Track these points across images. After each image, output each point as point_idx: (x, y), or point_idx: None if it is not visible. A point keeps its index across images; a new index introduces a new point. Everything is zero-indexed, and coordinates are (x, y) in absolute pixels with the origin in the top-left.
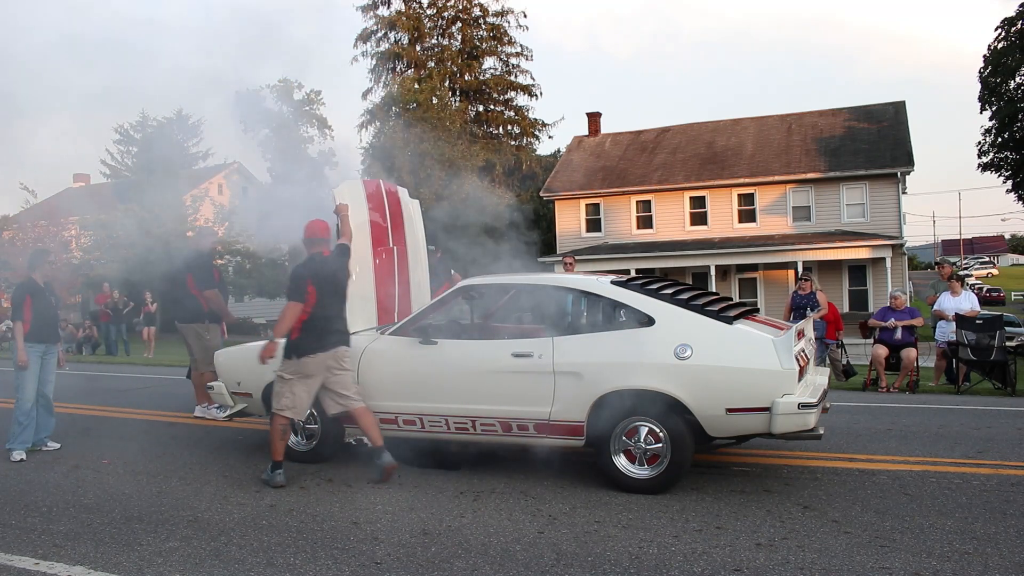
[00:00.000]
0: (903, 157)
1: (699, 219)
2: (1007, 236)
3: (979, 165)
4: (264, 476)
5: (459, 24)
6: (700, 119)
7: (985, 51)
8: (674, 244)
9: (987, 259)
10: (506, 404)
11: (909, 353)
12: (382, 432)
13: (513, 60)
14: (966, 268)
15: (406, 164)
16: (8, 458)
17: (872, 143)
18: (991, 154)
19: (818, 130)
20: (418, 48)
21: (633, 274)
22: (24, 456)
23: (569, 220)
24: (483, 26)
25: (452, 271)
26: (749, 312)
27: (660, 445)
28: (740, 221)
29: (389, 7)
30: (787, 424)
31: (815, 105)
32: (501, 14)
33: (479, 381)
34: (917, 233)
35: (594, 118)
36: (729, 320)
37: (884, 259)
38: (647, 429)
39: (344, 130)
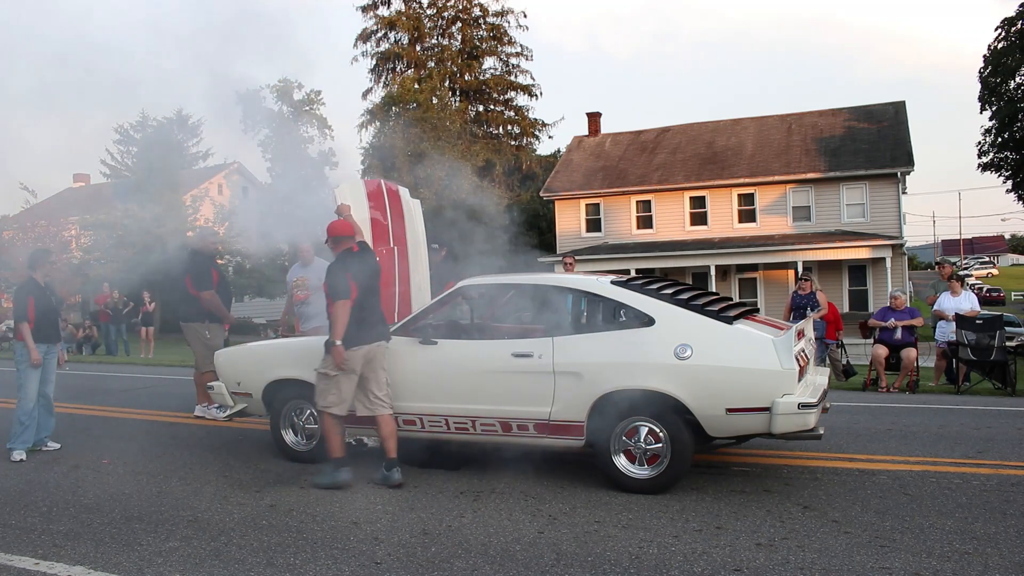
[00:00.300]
0: (903, 157)
1: (699, 219)
2: (1007, 236)
3: (979, 165)
4: (322, 479)
5: (459, 24)
6: (700, 119)
7: (985, 51)
8: (674, 244)
9: (987, 259)
10: (506, 404)
11: (909, 353)
12: (374, 432)
13: (513, 60)
14: (966, 268)
15: (406, 164)
16: (8, 458)
17: (872, 143)
18: (991, 154)
19: (818, 130)
20: (418, 48)
21: (633, 274)
22: (24, 456)
23: (569, 220)
24: (483, 26)
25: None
26: (749, 312)
27: (660, 445)
28: (740, 221)
29: (389, 7)
30: (787, 424)
31: (815, 105)
32: (501, 14)
33: (479, 381)
34: (917, 233)
35: (594, 118)
36: (729, 320)
37: (884, 259)
38: (647, 429)
39: (344, 130)
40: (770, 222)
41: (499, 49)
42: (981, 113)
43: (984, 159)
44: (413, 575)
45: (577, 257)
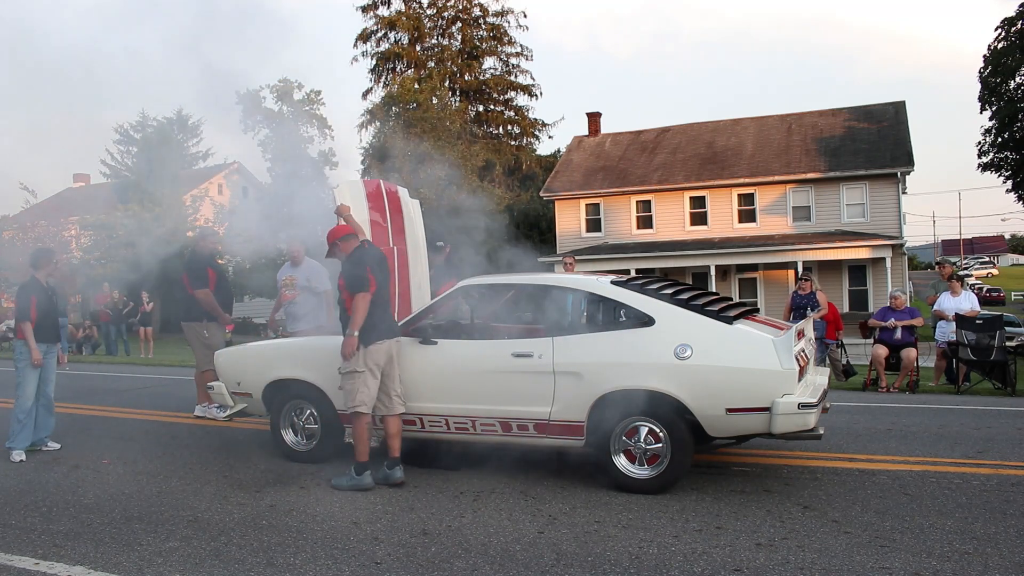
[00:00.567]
0: (903, 157)
1: (699, 219)
2: (1007, 236)
3: (979, 165)
4: (344, 482)
5: (459, 24)
6: (700, 119)
7: (985, 51)
8: (674, 244)
9: (987, 259)
10: (506, 404)
11: (909, 353)
12: (380, 431)
13: (513, 60)
14: (966, 268)
15: (406, 164)
16: (8, 458)
17: (872, 143)
18: (991, 154)
19: (818, 130)
20: (418, 48)
21: (633, 274)
22: (24, 457)
23: (569, 220)
24: (483, 26)
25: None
26: (749, 312)
27: (660, 445)
28: (740, 221)
29: (389, 7)
30: (787, 424)
31: (815, 105)
32: (501, 14)
33: (479, 381)
34: (917, 233)
35: (594, 118)
36: (729, 320)
37: (884, 259)
38: (647, 429)
39: (344, 130)
40: (770, 222)
41: (499, 49)
42: (981, 113)
43: (984, 159)
44: (413, 575)
45: (577, 257)
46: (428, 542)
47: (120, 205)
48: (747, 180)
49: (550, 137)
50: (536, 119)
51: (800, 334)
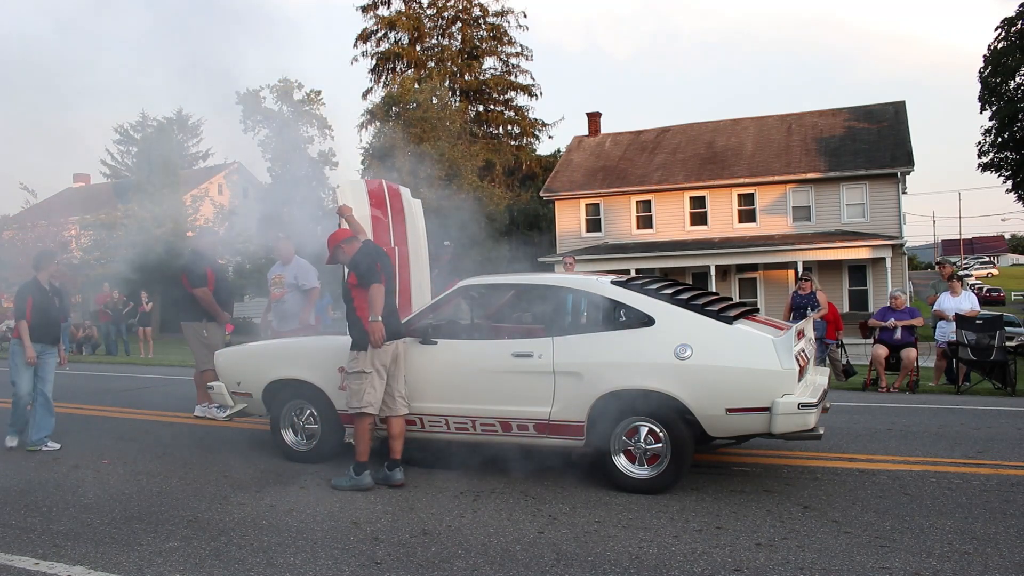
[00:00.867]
0: (903, 157)
1: (699, 219)
2: (1007, 236)
3: (979, 165)
4: (343, 482)
5: (459, 24)
6: (700, 119)
7: (985, 51)
8: (674, 244)
9: (987, 259)
10: (506, 404)
11: (909, 353)
12: (380, 431)
13: (513, 60)
14: (966, 268)
15: (406, 164)
16: (9, 458)
17: (872, 143)
18: (991, 154)
19: (818, 130)
20: (418, 48)
21: (633, 274)
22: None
23: (569, 220)
24: (483, 26)
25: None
26: (749, 312)
27: (660, 445)
28: (740, 221)
29: (389, 7)
30: (787, 424)
31: (815, 105)
32: (501, 14)
33: (479, 381)
34: (917, 233)
35: (594, 118)
36: (729, 320)
37: (884, 259)
38: (647, 429)
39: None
40: (770, 222)
41: (499, 49)
42: (981, 113)
43: (984, 159)
44: (413, 575)
45: (577, 257)
46: (428, 542)
47: (120, 205)
48: (747, 180)
49: (550, 137)
50: (536, 119)
51: (800, 334)
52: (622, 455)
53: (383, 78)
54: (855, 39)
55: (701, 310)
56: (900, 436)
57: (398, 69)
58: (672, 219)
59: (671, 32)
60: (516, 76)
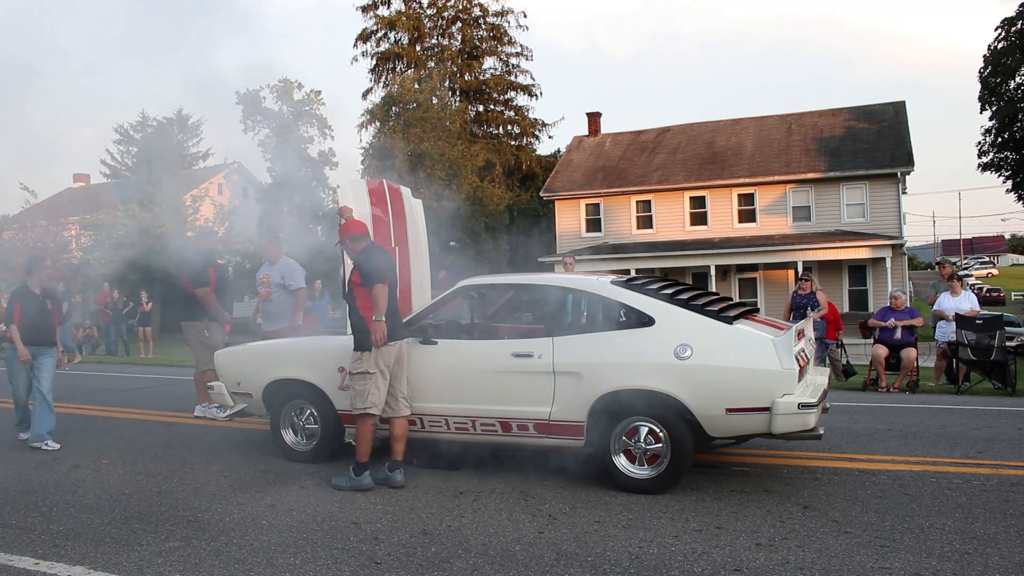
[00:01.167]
0: (903, 157)
1: (699, 219)
2: (1007, 236)
3: (979, 165)
4: (343, 482)
5: (459, 24)
6: (700, 119)
7: (985, 51)
8: (674, 244)
9: (987, 259)
10: (506, 404)
11: (909, 353)
12: (382, 431)
13: (513, 60)
14: (966, 268)
15: (406, 164)
16: (9, 458)
17: (872, 143)
18: (991, 154)
19: (818, 130)
20: (418, 48)
21: (633, 274)
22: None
23: (569, 220)
24: (483, 26)
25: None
26: (749, 312)
27: (660, 445)
28: (740, 221)
29: (389, 7)
30: (787, 424)
31: (815, 105)
32: (501, 14)
33: (479, 381)
34: (917, 233)
35: (594, 118)
36: (729, 320)
37: (884, 259)
38: (647, 429)
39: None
40: (770, 222)
41: (499, 49)
42: (981, 113)
43: (984, 159)
44: (413, 575)
45: (577, 257)
46: (428, 542)
47: (120, 205)
48: (747, 180)
49: (550, 137)
50: (536, 119)
51: (800, 334)
52: (622, 455)
53: (383, 78)
54: (855, 39)
55: (701, 310)
56: (900, 436)
57: (398, 69)
58: (672, 219)
59: (671, 32)
60: (516, 76)
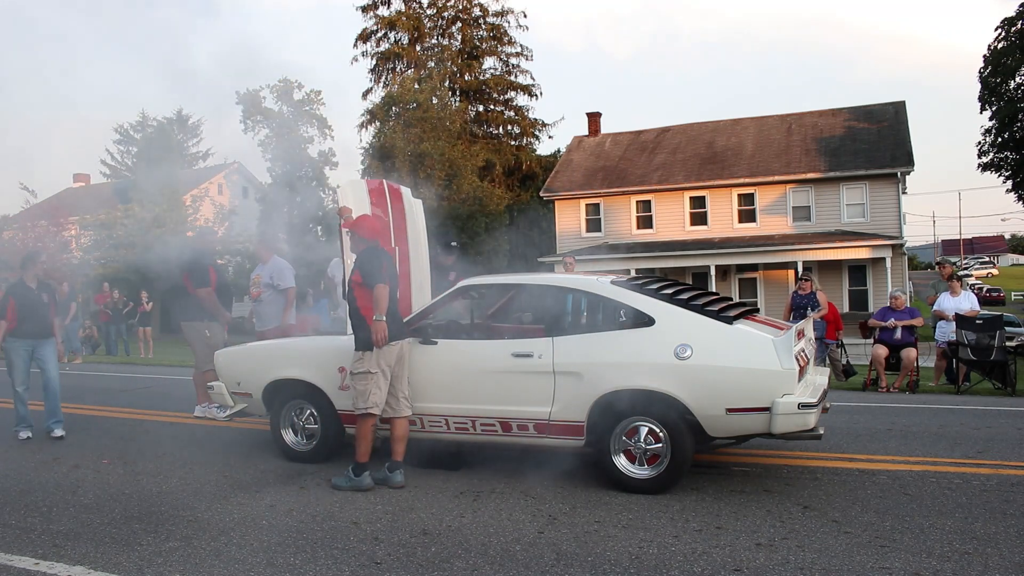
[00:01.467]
0: (903, 157)
1: (699, 219)
2: (1007, 236)
3: (979, 165)
4: (343, 482)
5: (459, 24)
6: (700, 119)
7: (985, 51)
8: (674, 244)
9: (987, 259)
10: (506, 404)
11: (909, 353)
12: (381, 432)
13: (513, 60)
14: (966, 268)
15: (406, 164)
16: (9, 458)
17: (872, 143)
18: (991, 154)
19: (818, 130)
20: (418, 48)
21: (633, 274)
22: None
23: (569, 220)
24: (483, 26)
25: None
26: (749, 312)
27: (660, 445)
28: (740, 221)
29: (389, 7)
30: (787, 424)
31: (815, 105)
32: (501, 14)
33: (479, 381)
34: (917, 233)
35: (594, 118)
36: (729, 320)
37: (884, 259)
38: (647, 429)
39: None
40: (770, 222)
41: (499, 49)
42: (981, 113)
43: (984, 159)
44: (413, 575)
45: (577, 257)
46: (428, 542)
47: (120, 205)
48: (747, 180)
49: (550, 137)
50: (536, 119)
51: (800, 334)
52: (622, 455)
53: (383, 78)
54: (855, 39)
55: (701, 310)
56: (900, 436)
57: (398, 69)
58: (672, 219)
59: (671, 32)
60: (516, 76)
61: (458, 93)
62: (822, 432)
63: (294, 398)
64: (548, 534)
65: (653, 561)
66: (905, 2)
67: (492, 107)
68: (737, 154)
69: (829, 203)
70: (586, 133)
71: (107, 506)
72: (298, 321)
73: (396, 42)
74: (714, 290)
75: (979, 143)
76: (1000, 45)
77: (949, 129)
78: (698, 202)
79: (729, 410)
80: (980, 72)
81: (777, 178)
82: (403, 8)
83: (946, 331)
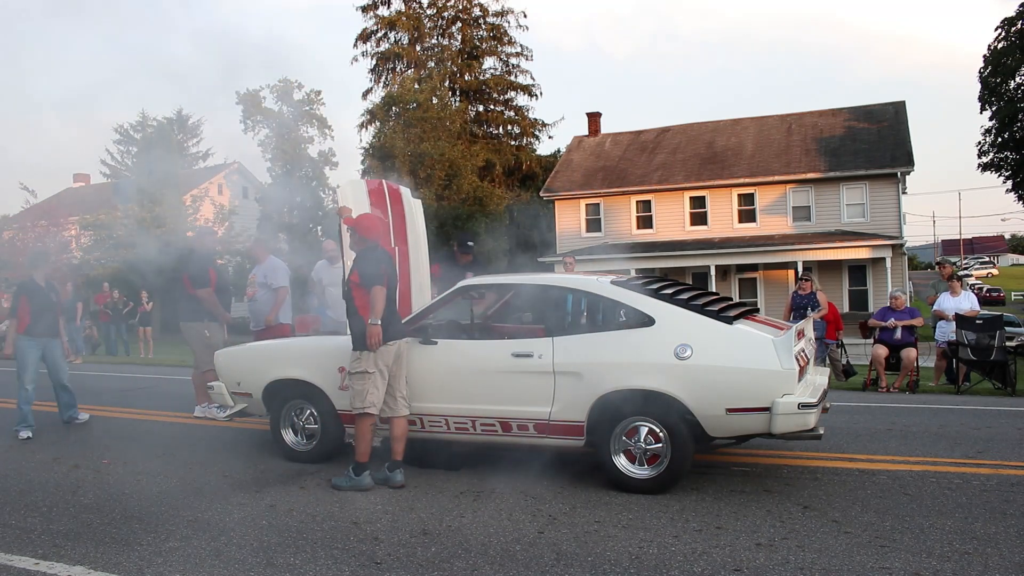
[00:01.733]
0: (903, 157)
1: (699, 219)
2: (1007, 236)
3: (979, 165)
4: (343, 482)
5: (459, 24)
6: (700, 119)
7: (985, 51)
8: (674, 244)
9: (987, 259)
10: (506, 404)
11: (909, 353)
12: (382, 432)
13: (513, 60)
14: (966, 268)
15: (406, 164)
16: (9, 458)
17: (872, 143)
18: (991, 154)
19: (818, 130)
20: (418, 48)
21: (633, 274)
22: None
23: (569, 220)
24: (483, 26)
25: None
26: (749, 312)
27: (660, 445)
28: (740, 221)
29: (389, 7)
30: (787, 424)
31: (815, 105)
32: (501, 14)
33: (479, 381)
34: (917, 233)
35: (594, 118)
36: (729, 320)
37: (884, 259)
38: (647, 429)
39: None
40: (770, 222)
41: (499, 49)
42: (981, 113)
43: (984, 159)
44: (413, 575)
45: (577, 257)
46: (428, 542)
47: (120, 205)
48: (747, 180)
49: (550, 137)
50: (536, 119)
51: (800, 334)
52: (622, 455)
53: (383, 78)
54: (855, 39)
55: (701, 310)
56: (900, 436)
57: (398, 69)
58: (672, 219)
59: (671, 32)
60: (516, 76)
61: (458, 93)
62: (822, 432)
63: (294, 398)
64: (548, 534)
65: (653, 561)
66: (905, 2)
67: (492, 107)
68: (737, 154)
69: (829, 203)
70: (586, 133)
71: (107, 506)
72: (298, 321)
73: (396, 42)
74: (714, 290)
75: (979, 143)
76: (1000, 45)
77: (949, 129)
78: (698, 202)
79: (729, 410)
80: (980, 72)
81: (777, 178)
82: (403, 8)
83: (946, 331)
